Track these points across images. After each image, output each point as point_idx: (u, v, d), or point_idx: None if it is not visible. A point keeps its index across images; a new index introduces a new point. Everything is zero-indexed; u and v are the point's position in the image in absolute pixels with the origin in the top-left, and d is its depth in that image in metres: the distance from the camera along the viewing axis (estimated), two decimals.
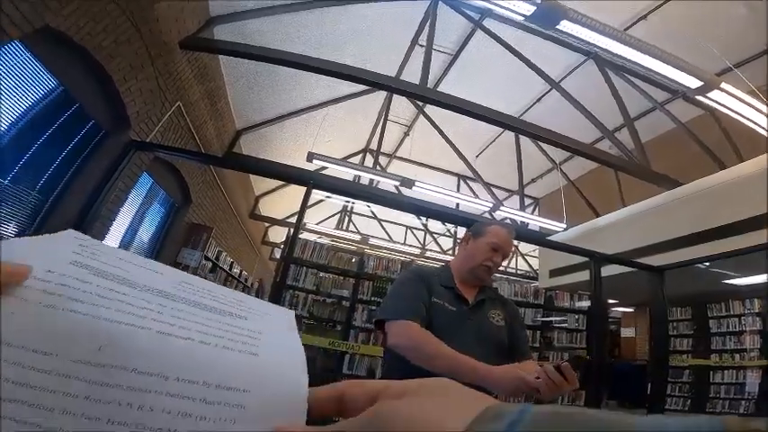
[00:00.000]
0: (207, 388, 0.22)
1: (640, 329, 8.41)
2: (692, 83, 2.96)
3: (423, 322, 1.19)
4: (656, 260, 4.62)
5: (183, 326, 0.24)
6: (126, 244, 4.83)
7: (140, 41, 3.62)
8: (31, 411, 0.18)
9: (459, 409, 0.20)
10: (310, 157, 5.09)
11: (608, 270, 4.83)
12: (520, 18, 2.81)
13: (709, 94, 3.01)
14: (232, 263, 8.26)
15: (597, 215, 6.47)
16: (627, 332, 9.45)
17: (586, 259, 4.81)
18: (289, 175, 4.53)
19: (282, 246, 4.41)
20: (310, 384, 0.25)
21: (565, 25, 2.77)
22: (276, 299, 3.41)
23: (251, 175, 8.19)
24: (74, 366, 0.19)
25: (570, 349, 5.74)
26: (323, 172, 7.59)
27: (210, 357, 0.23)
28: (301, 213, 3.30)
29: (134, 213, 4.91)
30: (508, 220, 8.11)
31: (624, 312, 9.86)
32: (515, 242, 8.89)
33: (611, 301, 8.34)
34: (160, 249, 5.59)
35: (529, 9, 2.70)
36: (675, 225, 4.61)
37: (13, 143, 3.01)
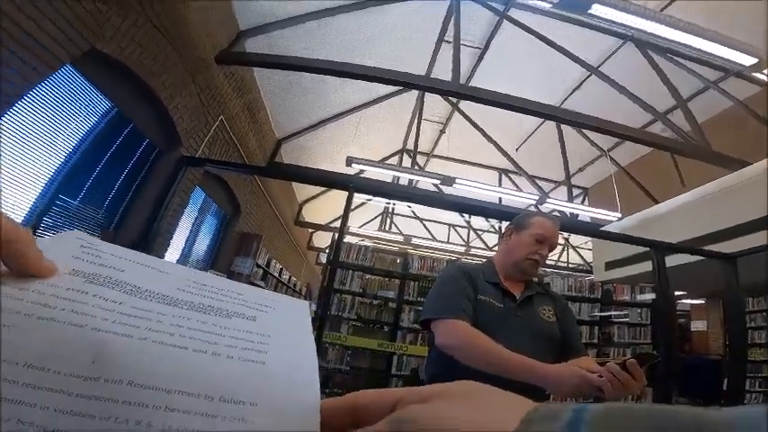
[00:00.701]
0: (210, 402, 0.20)
1: (713, 322, 7.80)
2: (746, 60, 2.71)
3: (470, 320, 1.14)
4: (726, 247, 4.23)
5: (184, 335, 0.23)
6: (185, 257, 5.18)
7: (179, 59, 3.76)
8: (24, 429, 0.17)
9: (496, 410, 0.19)
10: (349, 161, 5.19)
11: (673, 260, 4.50)
12: (547, 6, 2.69)
13: (765, 71, 2.74)
14: (281, 269, 8.59)
15: (655, 202, 6.03)
16: (697, 325, 8.78)
17: (646, 249, 4.51)
18: (330, 181, 4.63)
19: (327, 250, 4.54)
20: (367, 387, 0.24)
21: (597, 9, 2.62)
22: (325, 302, 3.50)
23: (293, 182, 8.48)
24: (66, 381, 0.19)
25: (633, 345, 5.44)
26: (362, 175, 7.70)
27: (213, 369, 0.22)
28: (344, 217, 3.37)
29: (190, 226, 5.25)
30: (556, 213, 7.79)
31: (693, 305, 9.19)
32: (564, 234, 8.53)
33: (677, 293, 7.76)
34: (215, 259, 5.94)
35: None
36: (746, 208, 4.19)
37: (80, 165, 3.25)
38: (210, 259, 5.90)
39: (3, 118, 2.36)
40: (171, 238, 4.47)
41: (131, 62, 3.15)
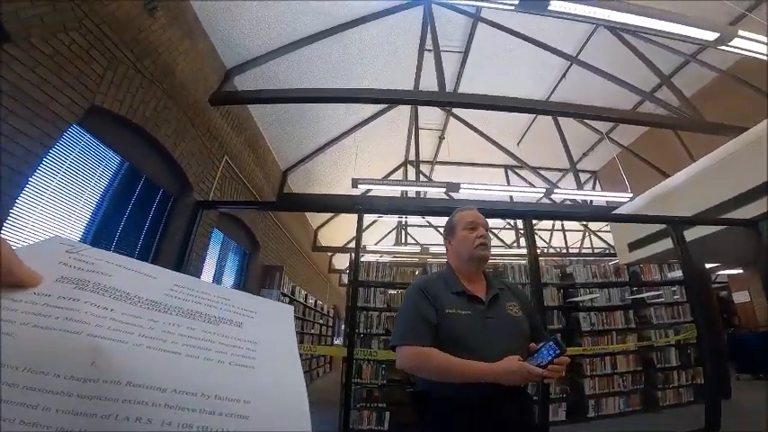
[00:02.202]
0: (206, 399, 0.21)
1: (755, 291, 7.43)
2: (709, 36, 2.75)
3: (428, 339, 1.20)
4: (747, 212, 4.12)
5: (176, 341, 0.24)
6: None
7: (175, 106, 3.83)
8: (27, 430, 0.18)
9: None
10: (354, 182, 5.32)
11: (697, 231, 4.38)
12: (510, 8, 2.79)
13: (730, 44, 2.76)
14: (306, 294, 8.73)
15: (665, 176, 5.93)
16: (740, 297, 8.45)
17: (664, 226, 4.42)
18: (337, 207, 4.73)
19: (348, 271, 4.63)
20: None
21: (555, 5, 2.71)
22: (351, 322, 3.58)
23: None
24: (67, 383, 0.20)
25: (674, 325, 5.20)
26: (370, 194, 7.83)
27: (206, 371, 0.23)
28: (358, 239, 3.47)
29: (215, 267, 5.43)
30: (567, 202, 7.72)
31: (731, 275, 8.74)
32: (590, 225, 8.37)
33: (711, 265, 7.43)
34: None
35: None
36: (760, 170, 4.09)
37: (105, 222, 3.36)
38: None
39: (29, 181, 2.51)
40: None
41: (132, 114, 3.26)
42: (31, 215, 2.63)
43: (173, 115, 3.83)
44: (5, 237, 1.62)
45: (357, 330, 4.18)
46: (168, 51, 3.65)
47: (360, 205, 3.55)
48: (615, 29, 4.67)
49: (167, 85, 3.70)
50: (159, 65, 3.55)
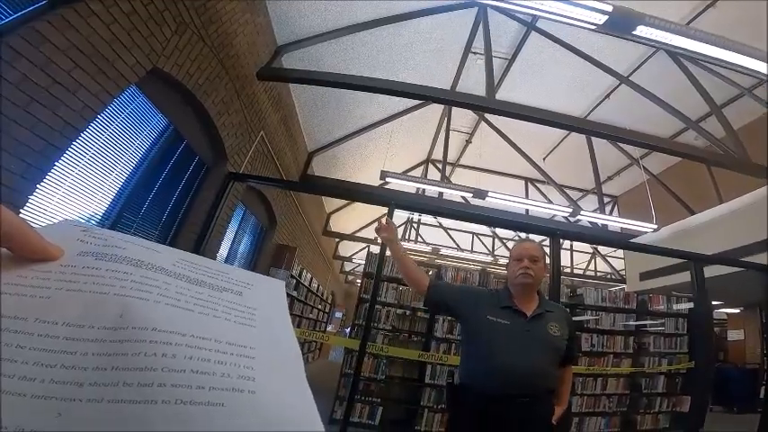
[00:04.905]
0: (219, 343, 0.24)
1: (750, 332, 7.70)
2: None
3: (437, 290, 1.68)
4: (762, 258, 4.18)
5: (189, 301, 0.27)
6: None
7: (227, 77, 3.87)
8: (73, 373, 0.21)
9: None
10: (383, 175, 5.31)
11: (710, 270, 4.46)
12: (591, 28, 2.77)
13: None
14: (311, 278, 8.79)
15: (691, 212, 5.95)
16: (734, 335, 8.74)
17: (682, 261, 4.47)
18: (369, 197, 4.72)
19: (362, 262, 4.63)
20: None
21: (642, 30, 2.70)
22: (368, 316, 3.59)
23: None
24: (99, 332, 0.22)
25: (669, 354, 5.43)
26: (387, 186, 7.82)
27: (217, 324, 0.26)
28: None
29: (231, 241, 5.45)
30: (588, 224, 7.72)
31: (730, 314, 9.00)
32: (606, 248, 8.39)
33: (714, 303, 7.61)
34: (253, 271, 6.12)
35: (600, 18, 2.65)
36: None
37: (141, 183, 3.38)
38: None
39: (81, 135, 2.49)
40: (217, 253, 4.65)
41: (187, 81, 3.29)
42: (74, 168, 2.62)
43: (222, 85, 3.82)
44: (54, 186, 1.89)
45: (371, 323, 4.21)
46: (230, 21, 3.63)
47: (393, 200, 3.54)
48: (676, 54, 4.64)
49: (224, 54, 3.69)
50: (220, 34, 3.54)
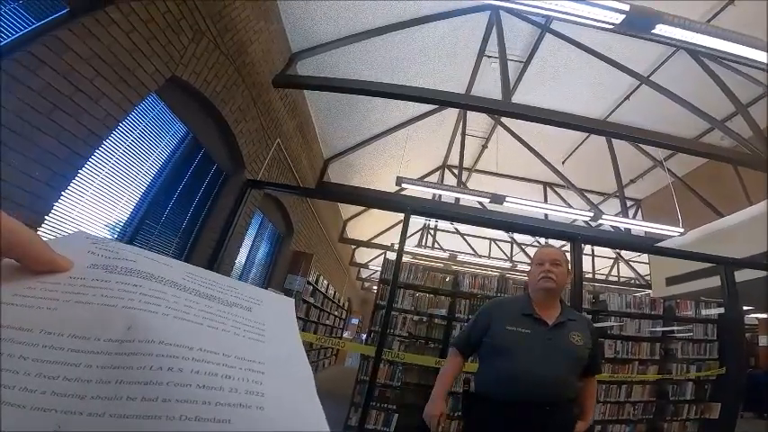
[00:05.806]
0: (227, 357, 0.24)
1: None
2: None
3: (466, 348, 1.67)
4: None
5: (198, 315, 0.27)
6: (246, 276, 5.44)
7: (243, 85, 3.90)
8: (76, 385, 0.20)
9: None
10: (399, 181, 5.29)
11: (740, 275, 4.30)
12: (608, 27, 2.70)
13: None
14: (328, 285, 8.80)
15: (719, 215, 5.71)
16: (764, 340, 8.65)
17: (711, 265, 4.30)
18: (385, 204, 4.71)
19: (380, 268, 4.63)
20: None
21: (661, 29, 2.61)
22: (385, 322, 3.58)
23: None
24: (106, 344, 0.22)
25: (698, 361, 5.21)
26: (403, 192, 7.81)
27: (225, 339, 0.26)
28: (402, 241, 3.46)
29: (249, 247, 5.52)
30: (610, 229, 7.52)
31: (760, 319, 8.71)
32: (629, 252, 8.19)
33: (744, 308, 7.28)
34: (270, 277, 6.19)
35: (617, 17, 2.59)
36: None
37: (165, 188, 3.45)
38: (266, 277, 6.16)
39: (104, 143, 2.55)
40: (235, 259, 4.71)
41: (204, 88, 3.34)
42: (97, 176, 2.68)
43: (239, 93, 3.89)
44: (78, 194, 1.94)
45: (387, 330, 4.18)
46: (245, 29, 3.71)
47: (409, 206, 3.53)
48: (697, 53, 4.50)
49: (240, 62, 3.76)
50: (236, 42, 3.61)
